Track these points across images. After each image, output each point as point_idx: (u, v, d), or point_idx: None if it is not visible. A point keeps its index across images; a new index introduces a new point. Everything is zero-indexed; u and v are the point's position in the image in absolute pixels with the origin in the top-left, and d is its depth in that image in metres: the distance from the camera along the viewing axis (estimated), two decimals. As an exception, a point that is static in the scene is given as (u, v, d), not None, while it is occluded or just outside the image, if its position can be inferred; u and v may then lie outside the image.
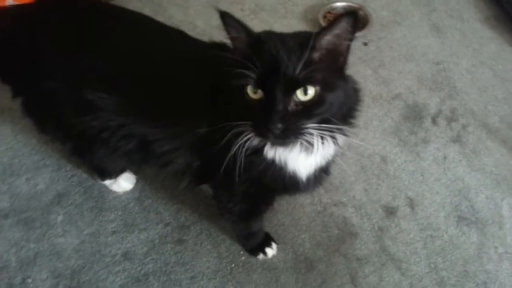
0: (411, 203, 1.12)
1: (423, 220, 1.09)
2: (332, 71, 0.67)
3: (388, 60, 1.45)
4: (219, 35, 1.50)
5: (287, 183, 0.77)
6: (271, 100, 0.62)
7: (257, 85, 0.63)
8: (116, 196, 1.10)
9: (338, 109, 0.68)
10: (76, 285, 0.96)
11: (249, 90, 0.64)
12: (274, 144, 0.70)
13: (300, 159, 0.74)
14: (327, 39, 0.64)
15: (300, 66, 0.61)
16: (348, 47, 0.67)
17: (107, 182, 1.10)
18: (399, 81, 1.40)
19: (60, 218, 1.06)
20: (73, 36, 0.79)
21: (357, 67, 1.43)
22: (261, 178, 0.76)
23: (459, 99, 1.35)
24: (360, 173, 1.17)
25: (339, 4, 1.55)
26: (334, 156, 0.79)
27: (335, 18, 0.64)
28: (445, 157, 1.22)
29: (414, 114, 1.31)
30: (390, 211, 1.11)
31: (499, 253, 1.04)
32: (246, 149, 0.68)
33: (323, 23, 1.49)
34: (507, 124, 1.29)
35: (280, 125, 0.62)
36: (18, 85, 0.85)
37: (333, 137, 0.71)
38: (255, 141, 0.69)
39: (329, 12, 1.55)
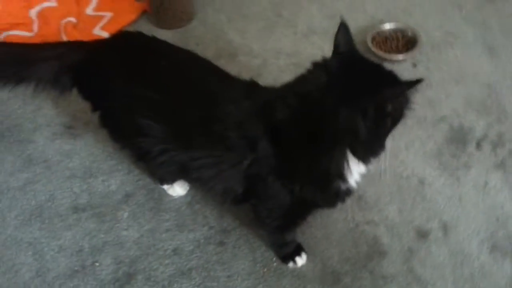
0: (445, 227, 1.14)
1: (455, 245, 1.11)
2: None
3: (437, 81, 1.47)
4: (272, 58, 1.66)
5: (340, 198, 0.90)
6: None
7: None
8: (172, 199, 1.28)
9: None
10: (133, 272, 1.14)
11: None
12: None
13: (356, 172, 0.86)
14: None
15: None
16: None
17: (165, 187, 1.28)
18: (446, 103, 1.41)
19: (126, 215, 1.26)
20: (132, 69, 0.96)
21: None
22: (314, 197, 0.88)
23: (508, 124, 1.33)
24: (396, 194, 1.22)
25: (387, 26, 1.60)
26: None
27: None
28: (486, 183, 1.21)
29: (458, 138, 1.32)
30: (422, 234, 1.14)
31: (533, 286, 1.03)
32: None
33: (371, 46, 1.54)
34: (559, 152, 1.24)
35: None
36: (95, 102, 1.05)
37: None
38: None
39: (378, 34, 1.60)
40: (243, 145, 0.87)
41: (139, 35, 1.07)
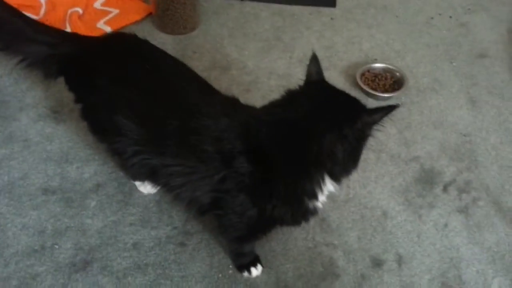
0: (399, 260, 1.17)
1: (407, 278, 1.13)
2: None
3: (416, 123, 1.53)
4: (263, 77, 1.72)
5: (305, 216, 0.94)
6: None
7: None
8: (141, 195, 1.29)
9: None
10: (90, 259, 1.15)
11: None
12: None
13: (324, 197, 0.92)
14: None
15: None
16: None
17: (137, 183, 1.30)
18: (421, 144, 1.46)
19: (93, 204, 1.27)
20: (119, 69, 0.99)
21: (384, 125, 1.51)
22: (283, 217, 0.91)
23: (477, 173, 1.38)
24: (358, 222, 1.25)
25: (378, 65, 1.67)
26: None
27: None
28: (446, 225, 1.25)
29: (427, 179, 1.36)
30: (377, 263, 1.16)
31: (474, 328, 1.05)
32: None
33: (359, 81, 1.61)
34: (520, 206, 1.29)
35: None
36: (79, 95, 1.09)
37: None
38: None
39: (368, 71, 1.67)
40: (217, 160, 0.89)
41: (133, 37, 1.10)
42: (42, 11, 1.83)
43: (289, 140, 0.84)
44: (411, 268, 1.15)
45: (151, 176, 1.00)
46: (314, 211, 0.94)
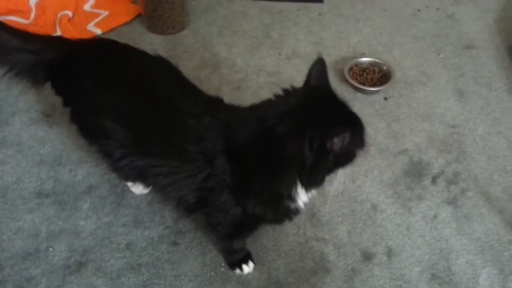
0: (389, 253, 1.19)
1: (397, 270, 1.15)
2: None
3: (404, 116, 1.54)
4: (253, 74, 1.72)
5: (287, 216, 0.96)
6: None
7: None
8: (133, 196, 1.31)
9: None
10: (84, 261, 1.16)
11: None
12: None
13: (305, 194, 0.91)
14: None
15: None
16: None
17: (129, 184, 1.31)
18: (409, 137, 1.47)
19: (86, 205, 1.28)
20: (103, 73, 1.00)
21: (372, 118, 1.53)
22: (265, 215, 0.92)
23: (465, 164, 1.39)
24: (348, 216, 1.27)
25: (366, 59, 1.68)
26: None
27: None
28: (435, 216, 1.27)
29: (415, 171, 1.38)
30: (367, 256, 1.18)
31: (462, 317, 1.07)
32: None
33: (347, 75, 1.62)
34: (508, 195, 1.31)
35: None
36: (66, 99, 1.10)
37: None
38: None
39: (356, 65, 1.68)
40: (200, 159, 0.91)
41: (114, 43, 1.11)
42: (32, 15, 1.83)
43: (263, 141, 0.84)
44: (401, 260, 1.17)
45: (139, 177, 1.02)
46: (296, 211, 0.95)
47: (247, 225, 1.00)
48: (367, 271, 1.15)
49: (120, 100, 0.97)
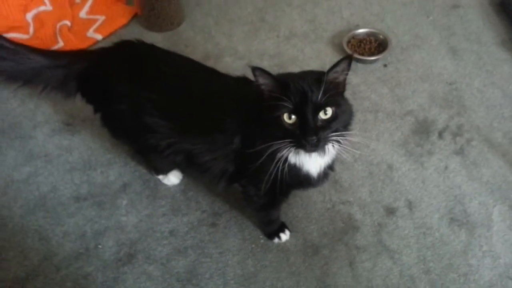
0: (410, 205, 1.30)
1: (419, 219, 1.27)
2: (338, 95, 0.92)
3: (405, 80, 1.64)
4: (256, 59, 1.79)
5: (303, 180, 1.03)
6: (305, 121, 0.87)
7: (292, 113, 0.88)
8: (167, 188, 1.40)
9: (344, 120, 0.92)
10: (133, 252, 1.26)
11: (285, 117, 0.88)
12: (309, 151, 0.92)
13: (312, 162, 0.98)
14: (332, 75, 0.89)
15: (320, 95, 0.86)
16: (345, 79, 0.93)
17: (160, 177, 1.40)
18: (412, 99, 1.57)
19: (124, 202, 1.37)
20: (135, 74, 1.08)
21: (375, 86, 1.63)
22: (284, 177, 0.98)
23: (467, 116, 1.50)
24: (368, 178, 1.37)
25: (361, 30, 1.76)
26: (337, 155, 1.02)
27: (337, 61, 0.88)
28: (446, 167, 1.38)
29: (422, 129, 1.48)
30: (390, 211, 1.29)
31: (483, 251, 1.19)
32: (278, 159, 0.93)
33: (346, 48, 1.70)
34: (509, 140, 1.42)
35: (314, 137, 0.87)
36: (98, 105, 1.17)
37: (338, 141, 0.94)
38: (286, 153, 0.92)
39: (353, 38, 1.76)
40: (233, 126, 1.01)
41: (139, 43, 1.17)
42: (31, 29, 1.86)
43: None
44: (421, 210, 1.29)
45: (186, 161, 1.10)
46: (308, 176, 1.01)
47: (279, 191, 1.07)
48: (392, 224, 1.27)
49: (156, 96, 1.05)
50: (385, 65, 1.69)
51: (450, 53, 1.71)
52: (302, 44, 1.78)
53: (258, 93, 0.92)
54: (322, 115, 0.88)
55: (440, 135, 1.46)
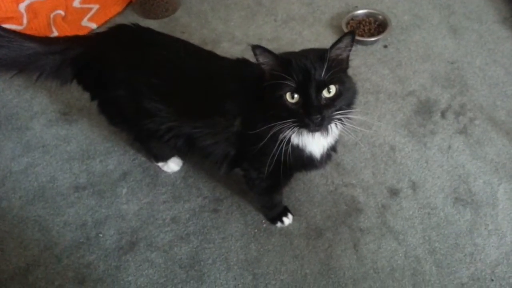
0: (413, 186, 1.28)
1: (423, 200, 1.25)
2: (341, 73, 0.89)
3: (405, 60, 1.61)
4: (254, 43, 1.75)
5: (306, 162, 1.01)
6: (308, 100, 0.84)
7: (295, 92, 0.85)
8: (167, 175, 1.38)
9: (348, 98, 0.90)
10: (135, 240, 1.25)
11: (288, 96, 0.86)
12: (313, 131, 0.90)
13: (315, 143, 0.96)
14: (335, 51, 0.86)
15: (323, 72, 0.84)
16: (348, 55, 0.90)
17: (160, 164, 1.38)
18: (414, 79, 1.55)
19: (124, 191, 1.36)
20: (133, 59, 1.05)
21: (376, 67, 1.60)
22: (286, 159, 0.96)
23: (469, 95, 1.48)
24: (370, 160, 1.35)
25: (360, 11, 1.73)
26: (340, 136, 1.00)
27: (340, 37, 0.85)
28: (449, 147, 1.36)
29: (425, 109, 1.46)
30: (394, 192, 1.28)
31: (488, 230, 1.18)
32: (281, 141, 0.91)
33: (345, 30, 1.67)
34: (513, 117, 1.40)
35: (318, 116, 0.84)
36: (95, 92, 1.15)
37: (340, 120, 0.91)
38: (289, 134, 0.90)
39: (352, 19, 1.73)
40: (234, 108, 0.99)
41: (135, 26, 1.13)
42: (25, 20, 1.84)
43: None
44: (425, 191, 1.27)
45: (186, 145, 1.08)
46: (311, 158, 0.99)
47: (282, 173, 1.06)
48: (396, 205, 1.25)
49: (155, 80, 1.03)
50: (385, 46, 1.66)
51: (451, 32, 1.68)
52: (300, 27, 1.75)
53: (259, 73, 0.90)
54: (325, 93, 0.86)
55: (443, 114, 1.44)
